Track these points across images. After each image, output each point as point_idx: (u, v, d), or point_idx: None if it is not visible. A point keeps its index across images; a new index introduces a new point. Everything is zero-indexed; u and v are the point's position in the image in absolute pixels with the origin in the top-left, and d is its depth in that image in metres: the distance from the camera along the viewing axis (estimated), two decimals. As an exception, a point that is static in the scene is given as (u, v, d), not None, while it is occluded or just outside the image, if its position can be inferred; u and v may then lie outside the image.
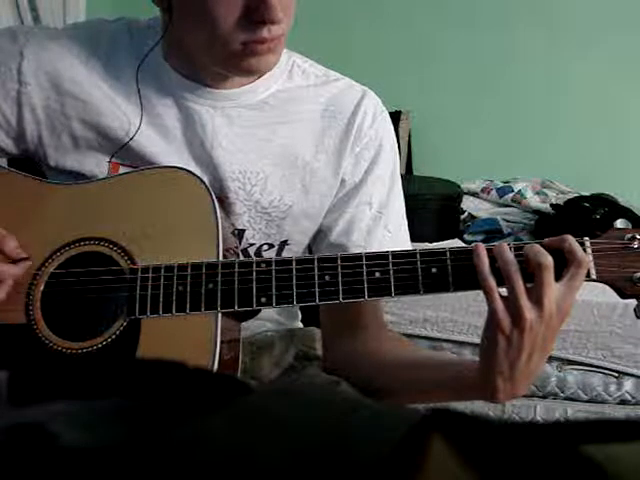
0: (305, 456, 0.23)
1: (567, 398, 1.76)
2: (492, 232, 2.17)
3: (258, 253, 0.94)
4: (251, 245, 0.94)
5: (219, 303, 0.77)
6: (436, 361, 0.92)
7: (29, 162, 0.95)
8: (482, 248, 0.75)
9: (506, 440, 0.24)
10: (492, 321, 0.73)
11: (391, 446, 0.23)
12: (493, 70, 2.56)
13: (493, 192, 2.35)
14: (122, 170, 0.90)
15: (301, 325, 1.10)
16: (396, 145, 0.99)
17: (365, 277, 0.77)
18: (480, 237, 2.15)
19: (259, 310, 0.93)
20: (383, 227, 0.95)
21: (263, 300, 0.78)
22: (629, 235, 0.77)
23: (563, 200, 2.19)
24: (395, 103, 2.24)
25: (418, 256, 0.77)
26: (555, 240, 0.75)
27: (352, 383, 0.90)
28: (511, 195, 2.31)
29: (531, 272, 0.72)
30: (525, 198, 2.27)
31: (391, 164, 0.97)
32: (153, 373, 0.31)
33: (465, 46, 2.55)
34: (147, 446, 0.23)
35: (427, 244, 1.67)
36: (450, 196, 2.19)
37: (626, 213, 1.99)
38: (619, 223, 1.85)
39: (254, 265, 0.78)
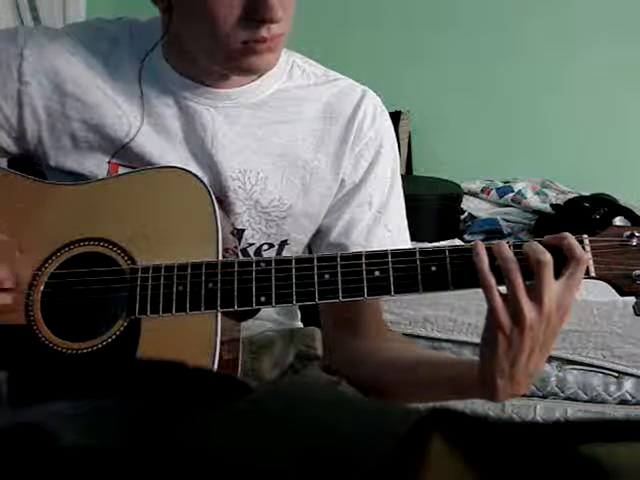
0: (305, 456, 0.23)
1: (567, 398, 1.76)
2: (492, 232, 2.17)
3: (258, 253, 0.94)
4: (251, 245, 0.94)
5: (219, 303, 0.77)
6: (436, 360, 0.92)
7: (29, 162, 0.95)
8: (481, 246, 0.75)
9: (506, 440, 0.24)
10: (492, 320, 0.73)
11: (391, 446, 0.23)
12: (493, 70, 2.56)
13: (493, 192, 2.35)
14: (122, 171, 0.90)
15: (301, 325, 1.10)
16: (396, 145, 0.99)
17: (364, 276, 0.77)
18: (480, 237, 2.15)
19: (259, 310, 0.93)
20: (383, 227, 0.95)
21: (263, 299, 0.78)
22: (628, 233, 0.77)
23: (563, 200, 2.19)
24: (395, 103, 2.24)
25: (417, 254, 0.77)
26: (554, 238, 0.75)
27: (352, 383, 0.91)
28: (511, 195, 2.31)
29: (530, 270, 0.72)
30: (525, 198, 2.27)
31: (391, 164, 0.97)
32: (153, 373, 0.31)
33: (465, 46, 2.55)
34: (147, 446, 0.23)
35: (427, 244, 1.67)
36: (450, 196, 2.19)
37: (626, 213, 1.99)
38: (618, 221, 1.85)
39: (254, 265, 0.78)
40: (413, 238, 1.00)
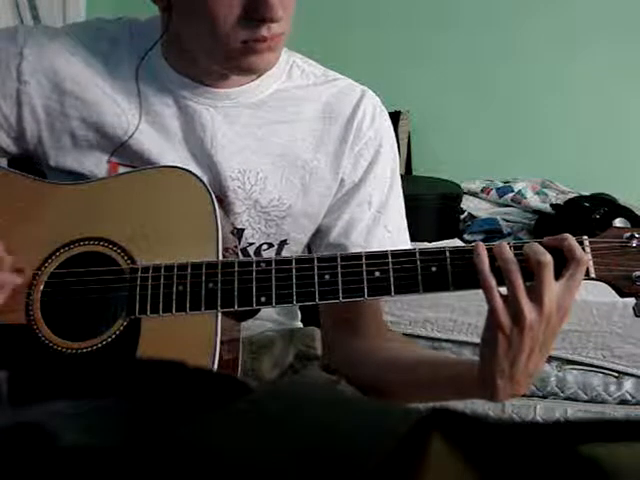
0: (305, 456, 0.23)
1: (567, 398, 1.76)
2: (492, 232, 2.17)
3: (257, 252, 0.94)
4: (250, 244, 0.94)
5: (219, 303, 0.77)
6: (436, 360, 0.92)
7: (29, 162, 0.95)
8: (482, 247, 0.75)
9: (506, 440, 0.24)
10: (492, 320, 0.73)
11: (391, 446, 0.23)
12: (493, 70, 2.56)
13: (493, 192, 2.35)
14: (121, 170, 0.90)
15: (301, 325, 1.10)
16: (395, 145, 0.99)
17: (365, 276, 0.77)
18: (480, 237, 2.15)
19: (259, 310, 0.93)
20: (383, 227, 0.95)
21: (263, 300, 0.78)
22: (628, 234, 0.77)
23: (563, 200, 2.19)
24: (395, 103, 2.24)
25: (418, 255, 0.77)
26: (554, 239, 0.75)
27: (352, 383, 0.91)
28: (511, 195, 2.31)
29: (531, 271, 0.72)
30: (525, 198, 2.27)
31: (391, 163, 0.97)
32: (153, 373, 0.31)
33: (465, 46, 2.55)
34: (146, 446, 0.23)
35: (427, 244, 1.67)
36: (450, 196, 2.19)
37: (626, 213, 1.99)
38: (618, 222, 1.85)
39: (254, 265, 0.78)
40: (413, 238, 0.99)
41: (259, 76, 0.91)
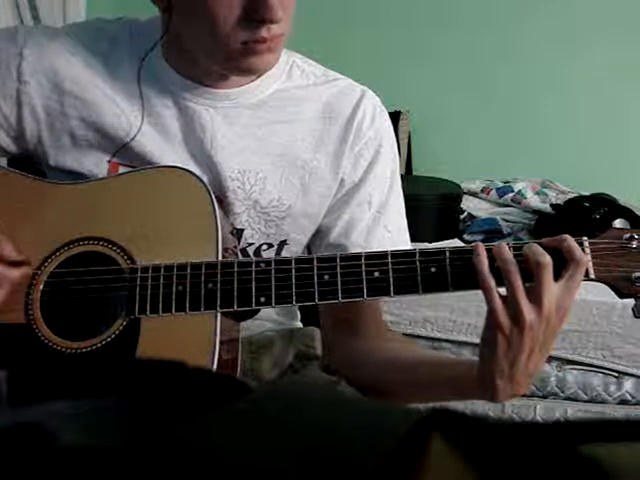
0: (305, 456, 0.23)
1: (567, 398, 1.76)
2: (492, 232, 2.17)
3: (257, 253, 0.94)
4: (250, 245, 0.94)
5: (218, 303, 0.77)
6: (436, 361, 0.92)
7: (29, 162, 0.95)
8: (482, 248, 0.75)
9: (506, 440, 0.24)
10: (491, 321, 0.73)
11: (391, 446, 0.23)
12: (493, 70, 2.56)
13: (493, 192, 2.35)
14: (121, 170, 0.90)
15: (300, 325, 1.10)
16: (396, 145, 0.99)
17: (364, 277, 0.77)
18: (480, 237, 2.15)
19: (258, 310, 0.93)
20: (383, 227, 0.95)
21: (262, 300, 0.78)
22: (627, 235, 0.77)
23: (563, 200, 2.19)
24: (395, 103, 2.24)
25: (417, 256, 0.77)
26: (554, 240, 0.75)
27: (352, 383, 0.91)
28: (511, 195, 2.31)
29: (530, 272, 0.72)
30: (525, 198, 2.27)
31: (391, 164, 0.97)
32: (152, 373, 0.31)
33: (465, 46, 2.55)
34: (146, 446, 0.23)
35: (427, 244, 1.67)
36: (450, 196, 2.19)
37: (626, 213, 1.99)
38: (617, 223, 1.85)
39: (253, 265, 0.78)
40: (413, 238, 0.99)
41: (259, 76, 0.91)
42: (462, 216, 2.27)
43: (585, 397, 1.75)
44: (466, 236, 2.16)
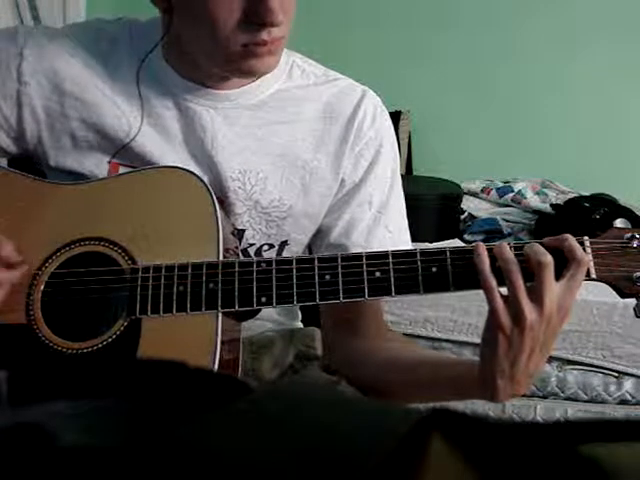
0: (305, 456, 0.23)
1: (567, 398, 1.76)
2: (492, 232, 2.17)
3: (258, 253, 0.94)
4: (251, 245, 0.94)
5: (219, 303, 0.77)
6: (436, 361, 0.92)
7: (29, 162, 0.95)
8: (483, 247, 0.75)
9: (506, 440, 0.24)
10: (492, 321, 0.73)
11: (391, 446, 0.23)
12: (493, 70, 2.56)
13: (493, 192, 2.35)
14: (122, 170, 0.90)
15: (301, 325, 1.10)
16: (396, 145, 0.99)
17: (365, 277, 0.77)
18: (480, 237, 2.15)
19: (259, 310, 0.93)
20: (383, 227, 0.95)
21: (263, 300, 0.78)
22: (628, 235, 0.77)
23: (563, 200, 2.19)
24: (395, 103, 2.24)
25: (418, 255, 0.77)
26: (555, 239, 0.75)
27: (352, 383, 0.91)
28: (511, 195, 2.31)
29: (531, 271, 0.72)
30: (525, 198, 2.27)
31: (391, 163, 0.97)
32: (153, 373, 0.31)
33: (465, 46, 2.55)
34: (146, 446, 0.23)
35: (427, 244, 1.67)
36: (450, 196, 2.19)
37: (626, 213, 1.99)
38: (618, 222, 1.85)
39: (254, 265, 0.78)
40: (413, 238, 0.99)
41: (259, 77, 0.91)
42: (462, 216, 2.27)
43: (585, 397, 1.75)
44: (466, 236, 2.16)
